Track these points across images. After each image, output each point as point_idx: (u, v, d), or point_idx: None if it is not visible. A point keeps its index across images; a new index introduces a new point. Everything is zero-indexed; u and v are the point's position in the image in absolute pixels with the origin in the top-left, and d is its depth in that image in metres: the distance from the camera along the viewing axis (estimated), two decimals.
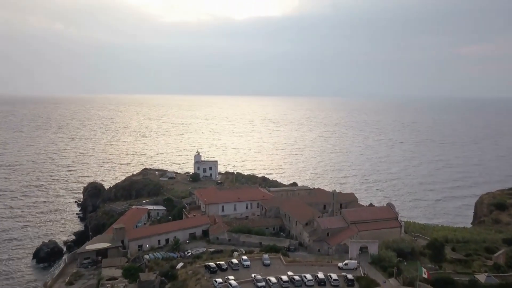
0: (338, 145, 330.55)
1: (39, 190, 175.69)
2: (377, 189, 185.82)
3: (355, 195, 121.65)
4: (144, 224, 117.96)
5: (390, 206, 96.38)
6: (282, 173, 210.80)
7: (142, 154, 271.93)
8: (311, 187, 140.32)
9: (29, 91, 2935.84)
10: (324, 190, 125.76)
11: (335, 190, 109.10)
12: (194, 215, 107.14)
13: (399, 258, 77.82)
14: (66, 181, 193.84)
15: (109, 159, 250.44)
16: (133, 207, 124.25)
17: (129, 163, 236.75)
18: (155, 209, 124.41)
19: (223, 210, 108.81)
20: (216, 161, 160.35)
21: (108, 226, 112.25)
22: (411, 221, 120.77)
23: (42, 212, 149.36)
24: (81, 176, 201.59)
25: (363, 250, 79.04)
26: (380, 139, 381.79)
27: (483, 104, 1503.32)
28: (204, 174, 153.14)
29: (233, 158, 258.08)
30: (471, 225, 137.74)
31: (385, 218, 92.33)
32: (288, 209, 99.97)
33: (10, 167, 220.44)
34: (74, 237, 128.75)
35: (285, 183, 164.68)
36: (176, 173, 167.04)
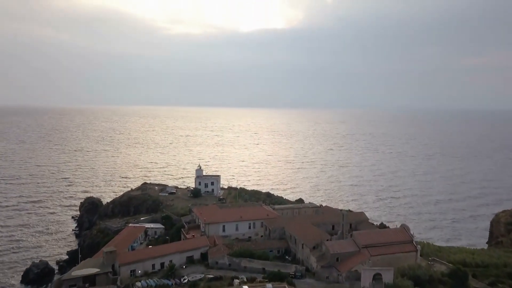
0: (346, 159, 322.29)
1: (35, 205, 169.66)
2: (389, 206, 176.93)
3: (365, 212, 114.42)
4: (141, 243, 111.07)
5: (404, 227, 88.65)
6: (287, 188, 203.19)
7: (144, 167, 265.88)
8: (318, 204, 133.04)
9: (37, 101, 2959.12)
10: (332, 208, 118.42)
11: (345, 210, 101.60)
12: (193, 236, 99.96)
13: (416, 287, 70.26)
14: (64, 195, 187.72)
15: (110, 173, 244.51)
16: (130, 225, 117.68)
17: (130, 177, 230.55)
18: (152, 228, 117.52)
19: (224, 230, 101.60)
20: (218, 176, 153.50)
21: (103, 245, 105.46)
22: (425, 242, 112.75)
23: (36, 230, 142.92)
24: (80, 191, 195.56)
25: (376, 277, 71.35)
26: (389, 152, 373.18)
27: (491, 115, 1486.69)
28: (205, 190, 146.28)
29: (237, 172, 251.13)
30: (486, 245, 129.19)
31: (399, 241, 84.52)
32: (294, 230, 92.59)
33: (7, 180, 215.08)
34: (67, 257, 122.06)
35: (291, 199, 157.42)
36: (176, 188, 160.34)
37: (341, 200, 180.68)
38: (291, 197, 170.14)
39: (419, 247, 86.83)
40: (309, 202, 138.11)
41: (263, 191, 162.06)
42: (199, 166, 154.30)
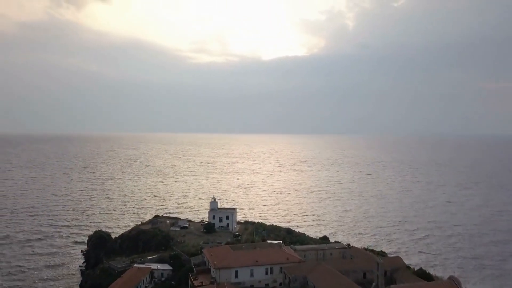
0: (373, 188, 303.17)
1: (45, 238, 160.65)
2: (427, 243, 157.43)
3: (400, 253, 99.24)
4: (146, 287, 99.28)
5: (453, 280, 72.91)
6: (310, 223, 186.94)
7: (160, 197, 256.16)
8: (345, 244, 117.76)
9: (64, 130, 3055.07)
10: (362, 250, 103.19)
11: (378, 255, 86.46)
12: (201, 283, 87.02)
13: None
14: (76, 227, 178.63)
15: (125, 203, 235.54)
16: (134, 265, 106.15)
17: (145, 207, 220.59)
18: (159, 269, 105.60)
19: (237, 276, 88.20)
20: (234, 209, 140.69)
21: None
22: None
23: (40, 265, 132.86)
24: (92, 222, 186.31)
25: None
26: (417, 180, 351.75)
27: None
28: (220, 224, 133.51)
29: (256, 202, 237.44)
30: None
31: None
32: (318, 281, 78.22)
33: (22, 210, 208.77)
34: None
35: (314, 235, 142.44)
36: (189, 221, 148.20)
37: (370, 238, 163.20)
38: (314, 232, 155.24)
39: None
40: (335, 241, 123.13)
41: (283, 226, 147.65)
42: (213, 198, 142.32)
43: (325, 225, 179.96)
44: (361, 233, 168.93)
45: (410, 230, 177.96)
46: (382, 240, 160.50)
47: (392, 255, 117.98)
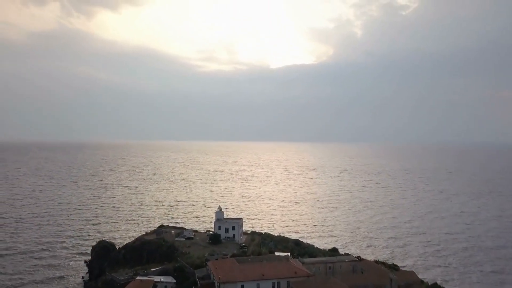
0: (384, 197, 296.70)
1: (47, 248, 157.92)
2: (442, 256, 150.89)
3: (414, 268, 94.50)
4: None
5: None
6: (319, 233, 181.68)
7: (167, 206, 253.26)
8: (355, 256, 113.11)
9: (74, 137, 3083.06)
10: (373, 263, 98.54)
11: (390, 268, 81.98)
12: None
13: None
14: (80, 237, 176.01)
15: (131, 211, 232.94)
16: (137, 278, 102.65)
17: (151, 216, 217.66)
18: (162, 282, 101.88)
19: None
20: (240, 219, 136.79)
21: None
22: None
23: (43, 277, 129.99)
24: (97, 232, 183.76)
25: None
26: (429, 189, 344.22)
27: None
28: (226, 235, 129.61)
29: (264, 211, 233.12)
30: None
31: None
32: None
33: (27, 220, 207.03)
34: None
35: (323, 246, 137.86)
36: (195, 231, 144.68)
37: (382, 250, 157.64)
38: (323, 243, 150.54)
39: None
40: (345, 253, 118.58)
41: (291, 237, 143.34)
42: (219, 207, 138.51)
43: (334, 236, 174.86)
44: (372, 245, 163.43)
45: (423, 241, 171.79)
46: (394, 252, 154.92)
47: (405, 269, 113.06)
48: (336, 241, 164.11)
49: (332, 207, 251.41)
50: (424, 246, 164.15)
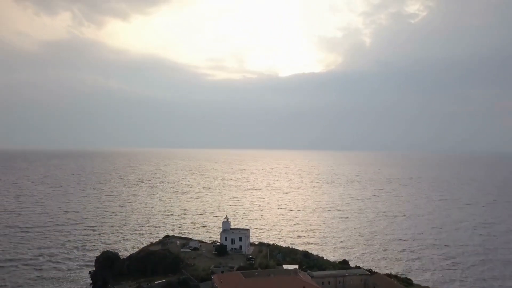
0: (397, 207, 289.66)
1: (52, 259, 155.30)
2: (458, 270, 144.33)
3: (428, 279, 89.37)
4: None
5: None
6: (329, 245, 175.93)
7: (175, 214, 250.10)
8: (367, 269, 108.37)
9: (84, 144, 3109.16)
10: (385, 277, 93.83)
11: (402, 282, 77.14)
12: None
13: None
14: (85, 247, 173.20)
15: (138, 221, 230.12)
16: None
17: (158, 226, 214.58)
18: None
19: None
20: (247, 230, 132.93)
21: None
22: None
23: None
24: (103, 242, 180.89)
25: None
26: (443, 199, 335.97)
27: None
28: (232, 246, 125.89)
29: (272, 222, 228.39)
30: None
31: None
32: None
33: (33, 228, 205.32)
34: None
35: (333, 258, 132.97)
36: (201, 242, 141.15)
37: (394, 263, 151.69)
38: (333, 255, 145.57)
39: None
40: (356, 266, 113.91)
41: (300, 248, 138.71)
42: (226, 217, 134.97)
43: (345, 248, 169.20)
44: (385, 257, 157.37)
45: (439, 254, 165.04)
46: (408, 265, 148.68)
47: (420, 283, 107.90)
48: (347, 253, 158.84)
49: (342, 217, 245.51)
50: (439, 258, 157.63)
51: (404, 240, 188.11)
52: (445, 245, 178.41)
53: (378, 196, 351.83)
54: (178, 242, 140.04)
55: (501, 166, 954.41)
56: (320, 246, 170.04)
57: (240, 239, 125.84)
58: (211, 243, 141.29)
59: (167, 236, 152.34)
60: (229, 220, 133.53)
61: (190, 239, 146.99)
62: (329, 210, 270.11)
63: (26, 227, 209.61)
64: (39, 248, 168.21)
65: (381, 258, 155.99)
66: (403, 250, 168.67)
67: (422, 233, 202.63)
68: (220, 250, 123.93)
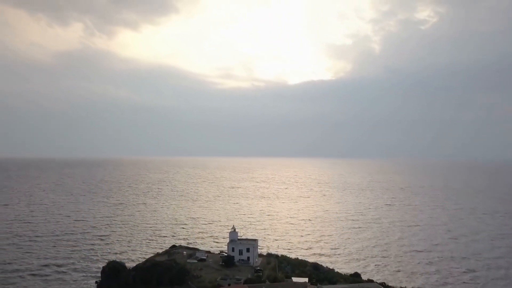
0: (412, 216, 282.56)
1: (57, 270, 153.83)
2: (479, 284, 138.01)
3: None
4: None
5: None
6: (340, 257, 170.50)
7: (182, 224, 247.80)
8: (380, 283, 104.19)
9: (95, 153, 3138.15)
10: None
11: None
12: None
13: None
14: (93, 256, 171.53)
15: (146, 229, 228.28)
16: None
17: (165, 236, 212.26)
18: None
19: None
20: (255, 241, 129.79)
21: None
22: None
23: None
24: (109, 251, 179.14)
25: None
26: (459, 208, 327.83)
27: None
28: (240, 257, 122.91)
29: (281, 231, 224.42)
30: None
31: None
32: None
33: (43, 238, 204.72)
34: None
35: (344, 271, 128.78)
36: (208, 253, 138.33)
37: (409, 277, 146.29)
38: (344, 268, 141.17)
39: None
40: (368, 279, 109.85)
41: (310, 260, 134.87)
42: (233, 227, 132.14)
43: (357, 260, 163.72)
44: (400, 270, 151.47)
45: (458, 267, 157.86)
46: (425, 279, 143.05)
47: None
48: (359, 265, 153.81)
49: (354, 227, 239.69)
50: (458, 272, 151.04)
51: (420, 251, 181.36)
52: (464, 257, 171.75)
53: (390, 205, 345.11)
54: (184, 252, 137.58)
55: (509, 173, 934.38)
56: (331, 258, 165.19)
57: (248, 250, 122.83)
58: (218, 253, 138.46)
59: (174, 246, 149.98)
60: (236, 230, 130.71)
61: (197, 249, 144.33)
62: (341, 220, 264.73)
63: (36, 236, 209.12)
64: (46, 258, 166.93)
65: (396, 271, 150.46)
66: (419, 263, 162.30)
67: (438, 244, 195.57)
68: (227, 261, 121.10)
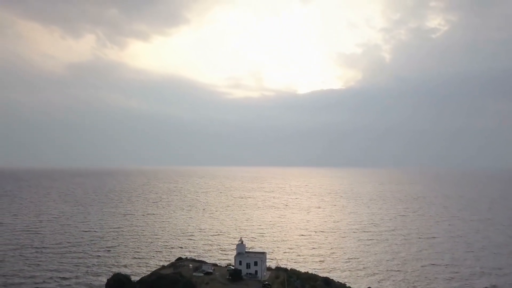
0: (427, 228, 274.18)
1: (61, 283, 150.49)
2: None
3: None
4: None
5: None
6: (352, 271, 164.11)
7: (190, 234, 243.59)
8: None
9: (105, 163, 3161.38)
10: None
11: None
12: None
13: None
14: (99, 268, 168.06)
15: (153, 241, 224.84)
16: None
17: (172, 247, 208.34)
18: None
19: None
20: (264, 254, 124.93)
21: None
22: None
23: None
24: (115, 262, 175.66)
25: None
26: (477, 219, 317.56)
27: None
28: (247, 271, 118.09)
29: (290, 244, 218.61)
30: None
31: None
32: None
33: (50, 249, 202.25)
34: None
35: (357, 286, 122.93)
36: (215, 265, 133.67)
37: None
38: (356, 282, 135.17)
39: None
40: None
41: (321, 274, 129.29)
42: (240, 240, 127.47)
43: (370, 274, 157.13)
44: (415, 286, 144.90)
45: (478, 283, 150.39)
46: None
47: None
48: (372, 281, 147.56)
49: (368, 239, 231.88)
50: (475, 280, 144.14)
51: (438, 265, 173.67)
52: (485, 272, 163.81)
53: (405, 215, 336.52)
54: (190, 265, 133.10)
55: None
56: (343, 272, 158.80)
57: (256, 263, 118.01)
58: (225, 266, 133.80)
59: (180, 258, 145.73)
60: (244, 243, 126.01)
61: (204, 262, 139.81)
62: (353, 231, 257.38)
63: (43, 247, 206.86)
64: (51, 271, 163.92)
65: (413, 287, 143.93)
66: (436, 278, 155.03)
67: (457, 258, 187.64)
68: (234, 275, 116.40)
